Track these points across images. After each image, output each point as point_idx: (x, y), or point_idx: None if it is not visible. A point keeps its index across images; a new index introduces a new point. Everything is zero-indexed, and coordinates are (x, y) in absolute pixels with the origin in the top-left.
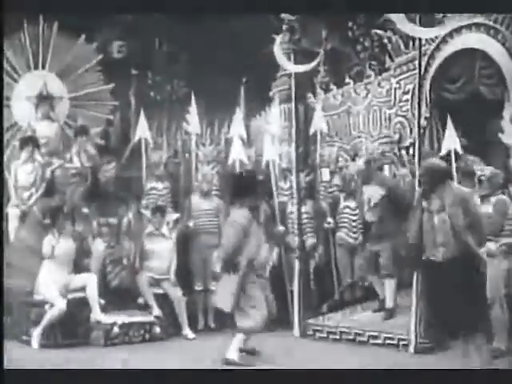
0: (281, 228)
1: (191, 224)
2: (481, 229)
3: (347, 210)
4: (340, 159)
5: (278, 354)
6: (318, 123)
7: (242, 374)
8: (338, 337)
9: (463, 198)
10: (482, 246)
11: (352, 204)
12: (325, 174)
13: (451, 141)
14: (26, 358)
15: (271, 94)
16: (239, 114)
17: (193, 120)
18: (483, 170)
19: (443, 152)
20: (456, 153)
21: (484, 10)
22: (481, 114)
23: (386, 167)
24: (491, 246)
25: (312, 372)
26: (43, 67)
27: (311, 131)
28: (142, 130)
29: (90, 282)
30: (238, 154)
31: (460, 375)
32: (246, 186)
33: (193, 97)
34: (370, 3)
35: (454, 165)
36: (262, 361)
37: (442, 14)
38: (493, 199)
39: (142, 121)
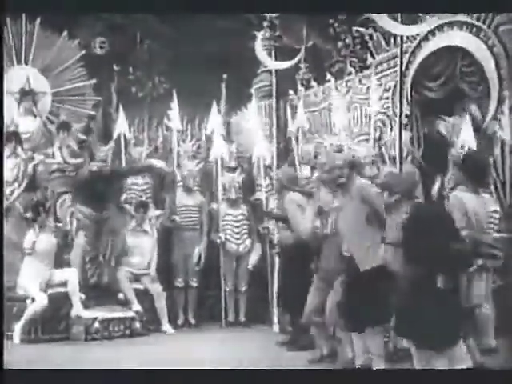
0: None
1: (177, 218)
2: None
3: None
4: (319, 157)
5: None
6: (301, 120)
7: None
8: None
9: None
10: None
11: None
12: (305, 170)
13: (467, 134)
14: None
15: (252, 90)
16: (219, 110)
17: (174, 116)
18: None
19: (459, 144)
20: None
21: (466, 9)
22: (462, 112)
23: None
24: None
25: (309, 372)
26: (26, 63)
27: (294, 128)
28: (122, 126)
29: (71, 276)
30: (219, 151)
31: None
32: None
33: (174, 93)
34: (352, 1)
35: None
36: None
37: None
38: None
39: (122, 117)
